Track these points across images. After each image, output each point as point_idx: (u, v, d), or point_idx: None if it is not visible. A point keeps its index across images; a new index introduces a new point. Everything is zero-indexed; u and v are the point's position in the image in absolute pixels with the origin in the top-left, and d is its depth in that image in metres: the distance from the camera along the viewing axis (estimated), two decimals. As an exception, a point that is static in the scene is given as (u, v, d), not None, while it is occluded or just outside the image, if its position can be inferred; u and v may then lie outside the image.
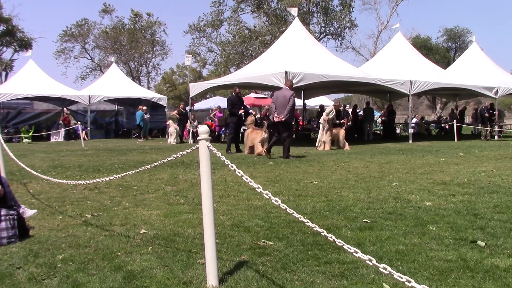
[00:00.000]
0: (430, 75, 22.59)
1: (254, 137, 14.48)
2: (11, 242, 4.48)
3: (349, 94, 55.16)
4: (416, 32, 68.13)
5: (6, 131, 25.00)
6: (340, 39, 48.26)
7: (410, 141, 20.29)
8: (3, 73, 51.73)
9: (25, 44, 51.47)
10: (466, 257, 3.91)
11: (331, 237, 2.69)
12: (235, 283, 3.39)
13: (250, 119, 15.59)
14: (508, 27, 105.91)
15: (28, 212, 5.69)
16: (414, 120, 30.18)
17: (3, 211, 4.55)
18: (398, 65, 22.80)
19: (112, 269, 3.74)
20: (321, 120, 16.72)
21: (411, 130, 21.97)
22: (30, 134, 26.22)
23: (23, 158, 8.34)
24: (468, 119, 36.41)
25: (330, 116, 16.67)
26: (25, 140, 25.33)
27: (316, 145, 16.84)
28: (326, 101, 32.87)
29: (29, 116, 28.67)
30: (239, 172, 3.31)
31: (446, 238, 4.48)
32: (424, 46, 48.96)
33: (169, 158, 3.92)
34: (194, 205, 6.23)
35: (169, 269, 3.72)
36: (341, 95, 55.50)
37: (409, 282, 2.13)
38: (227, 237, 4.61)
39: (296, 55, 19.69)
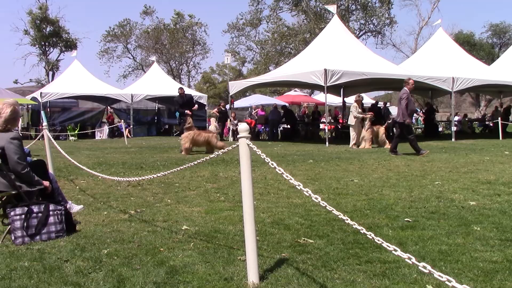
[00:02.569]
0: (474, 71, 21.96)
1: (206, 138, 14.43)
2: (59, 236, 4.64)
3: (390, 92, 54.23)
4: (458, 28, 66.37)
5: (53, 129, 25.81)
6: (380, 36, 47.65)
7: (453, 139, 19.81)
8: (50, 73, 53.43)
9: (70, 45, 53.04)
10: (512, 258, 3.81)
11: (370, 235, 2.67)
12: (276, 280, 3.41)
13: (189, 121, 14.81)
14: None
15: (74, 208, 5.87)
16: (457, 118, 29.42)
17: (51, 206, 4.72)
18: (440, 61, 22.27)
19: (155, 264, 3.83)
20: (351, 121, 16.60)
21: (453, 128, 21.45)
22: (76, 132, 26.98)
23: (70, 155, 8.58)
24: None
25: (355, 113, 16.43)
26: (71, 138, 26.10)
27: (356, 142, 16.64)
28: (366, 99, 32.45)
29: (75, 114, 29.52)
30: (279, 170, 3.32)
31: (491, 239, 4.38)
32: (467, 42, 47.69)
33: (211, 156, 3.97)
34: (235, 202, 6.29)
35: (211, 265, 3.78)
36: (382, 93, 54.60)
37: (450, 281, 2.10)
38: (268, 235, 4.64)
39: (335, 52, 19.54)
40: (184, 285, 3.37)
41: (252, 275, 3.37)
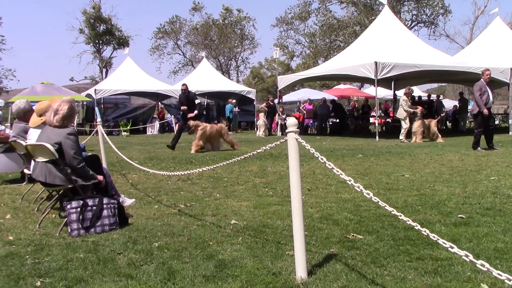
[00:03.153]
0: (534, 61, 21.01)
1: (218, 130, 14.07)
2: (112, 229, 4.78)
3: (443, 84, 52.72)
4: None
5: (106, 124, 26.60)
6: (433, 27, 46.38)
7: (510, 133, 19.06)
8: (104, 70, 55.07)
9: (122, 42, 54.49)
10: None
11: (424, 231, 2.61)
12: (324, 276, 3.38)
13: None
14: None
15: (127, 201, 6.03)
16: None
17: (105, 200, 4.86)
18: (497, 52, 21.44)
19: (205, 257, 3.88)
20: (400, 114, 16.21)
21: (511, 121, 20.62)
22: (128, 127, 27.70)
23: (122, 150, 8.84)
24: None
25: (405, 107, 16.02)
26: (123, 133, 26.82)
27: (406, 136, 16.26)
28: (418, 91, 31.67)
29: (127, 110, 30.32)
30: (329, 165, 3.28)
31: (552, 237, 4.18)
32: (527, 31, 45.61)
33: (259, 151, 3.97)
34: (283, 197, 6.28)
35: (259, 259, 3.79)
36: (434, 85, 53.18)
37: (510, 280, 2.03)
38: (316, 230, 4.61)
39: (386, 44, 19.17)
40: (233, 279, 3.39)
41: (301, 270, 3.36)
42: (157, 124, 29.06)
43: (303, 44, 52.41)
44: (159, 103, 31.66)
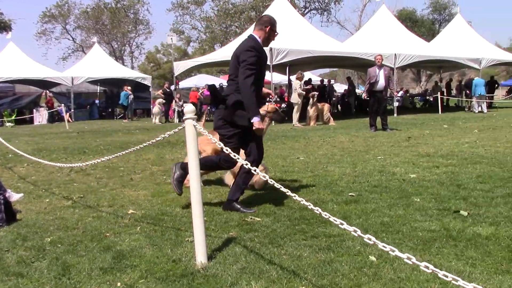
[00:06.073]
0: (415, 48, 22.67)
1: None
2: (-1, 227, 4.48)
3: (335, 69, 55.20)
4: (401, 5, 68.01)
5: (-12, 115, 24.68)
6: (325, 13, 48.16)
7: (395, 115, 20.41)
8: (-17, 57, 50.91)
9: (4, 26, 50.53)
10: (449, 226, 3.99)
11: (317, 210, 2.73)
12: (224, 259, 3.43)
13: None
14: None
15: (14, 196, 5.65)
16: (401, 93, 30.29)
17: (-11, 196, 4.54)
18: (383, 38, 22.83)
19: (101, 249, 3.76)
20: (294, 99, 16.82)
21: (395, 104, 22.09)
22: (13, 117, 25.91)
23: (7, 142, 8.28)
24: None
25: (299, 90, 16.65)
26: (8, 124, 25.02)
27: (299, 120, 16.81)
28: (311, 76, 32.82)
29: (11, 99, 28.26)
30: (226, 150, 3.32)
31: (430, 209, 4.57)
32: (409, 19, 49.18)
33: (157, 138, 3.91)
34: (182, 184, 6.23)
35: (158, 247, 3.75)
36: (327, 70, 55.59)
37: (393, 251, 2.19)
38: (215, 215, 4.65)
39: (281, 31, 19.45)
40: (132, 269, 3.33)
41: (200, 256, 3.37)
42: (45, 113, 27.43)
43: (199, 30, 52.11)
44: (47, 91, 29.92)
